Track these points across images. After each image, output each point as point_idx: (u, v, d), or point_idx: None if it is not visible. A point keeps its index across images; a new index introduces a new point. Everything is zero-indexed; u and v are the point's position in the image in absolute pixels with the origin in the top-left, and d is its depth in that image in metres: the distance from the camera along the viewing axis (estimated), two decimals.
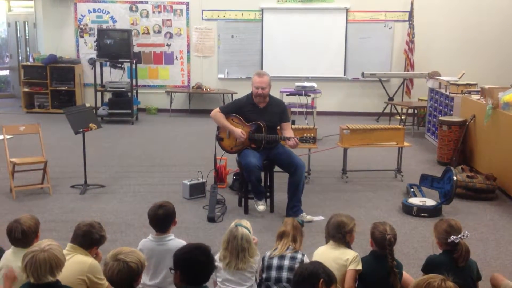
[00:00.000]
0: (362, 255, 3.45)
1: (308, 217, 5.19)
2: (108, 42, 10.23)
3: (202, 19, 11.26)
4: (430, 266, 3.34)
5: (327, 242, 3.51)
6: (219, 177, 6.20)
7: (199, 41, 11.34)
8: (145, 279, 3.37)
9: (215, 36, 11.28)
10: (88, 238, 3.23)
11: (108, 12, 11.28)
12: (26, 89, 11.23)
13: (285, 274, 3.30)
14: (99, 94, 10.63)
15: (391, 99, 10.74)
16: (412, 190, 6.01)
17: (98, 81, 10.51)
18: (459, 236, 3.24)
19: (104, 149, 8.05)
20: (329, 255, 3.34)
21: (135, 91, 10.71)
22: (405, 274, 3.46)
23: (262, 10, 11.06)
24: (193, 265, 2.67)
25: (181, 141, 8.75)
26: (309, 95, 8.61)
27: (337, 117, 10.61)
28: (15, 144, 7.14)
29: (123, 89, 10.43)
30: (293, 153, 5.40)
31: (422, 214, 5.36)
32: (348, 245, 3.45)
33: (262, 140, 5.30)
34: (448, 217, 5.20)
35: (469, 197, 5.89)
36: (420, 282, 2.54)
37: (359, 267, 3.30)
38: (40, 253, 2.68)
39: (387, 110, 10.68)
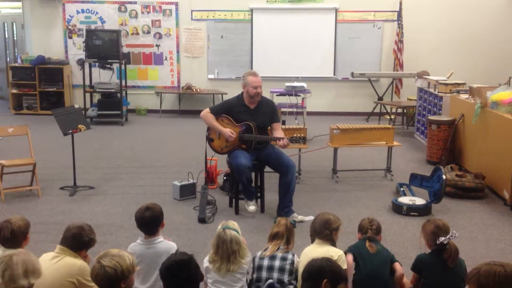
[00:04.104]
0: None
1: (300, 217, 5.19)
2: (97, 43, 10.18)
3: (192, 19, 11.23)
4: (420, 265, 3.36)
5: (312, 241, 3.52)
6: (210, 177, 6.19)
7: (188, 42, 11.32)
8: (136, 282, 3.33)
9: (205, 36, 11.26)
10: (78, 241, 3.20)
11: (97, 13, 11.22)
12: (14, 91, 11.14)
13: (275, 274, 3.29)
14: (88, 95, 10.57)
15: (380, 98, 10.78)
16: (401, 189, 6.04)
17: (87, 82, 10.45)
18: (448, 237, 3.24)
19: (94, 151, 8.01)
20: (314, 253, 3.34)
21: (124, 92, 10.66)
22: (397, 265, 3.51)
23: (251, 10, 11.06)
24: (174, 279, 2.66)
25: (171, 142, 8.72)
26: (299, 95, 8.62)
27: (327, 117, 10.62)
28: (3, 146, 7.10)
29: (112, 90, 10.38)
30: (284, 154, 5.40)
31: (412, 213, 5.38)
32: (333, 243, 3.47)
33: (252, 140, 5.30)
34: (437, 215, 5.27)
35: (458, 196, 5.93)
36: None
37: (344, 266, 3.31)
38: (18, 255, 2.61)
39: (377, 110, 10.72)
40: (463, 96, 7.37)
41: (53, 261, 3.10)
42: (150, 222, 3.46)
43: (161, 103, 11.16)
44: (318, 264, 2.71)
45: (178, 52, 11.37)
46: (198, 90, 11.04)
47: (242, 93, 5.44)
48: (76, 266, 3.09)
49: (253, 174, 5.42)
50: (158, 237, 3.48)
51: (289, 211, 5.26)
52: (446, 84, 8.12)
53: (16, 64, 11.43)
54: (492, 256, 4.49)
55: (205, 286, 3.35)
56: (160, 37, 11.31)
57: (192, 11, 11.17)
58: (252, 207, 5.28)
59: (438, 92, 8.19)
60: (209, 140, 5.54)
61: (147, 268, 3.38)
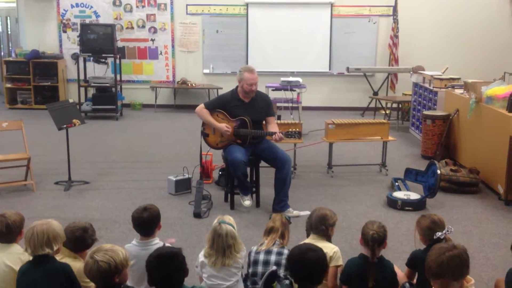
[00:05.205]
0: (346, 249, 3.47)
1: (295, 212, 5.20)
2: (92, 37, 10.14)
3: (187, 13, 11.20)
4: (414, 261, 3.35)
5: (308, 235, 3.52)
6: (205, 172, 6.19)
7: (183, 36, 11.28)
8: (130, 284, 3.29)
9: (200, 31, 11.23)
10: (80, 244, 3.18)
11: (91, 7, 11.16)
12: (8, 85, 11.08)
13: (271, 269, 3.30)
14: (82, 89, 10.52)
15: (375, 93, 10.79)
16: (396, 184, 6.05)
17: (82, 77, 10.41)
18: (444, 232, 3.24)
19: (88, 145, 7.98)
20: None
21: (119, 87, 10.63)
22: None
23: (247, 4, 11.02)
24: (161, 270, 2.65)
25: (166, 137, 8.71)
26: (295, 90, 8.61)
27: (323, 112, 10.63)
28: None
29: (107, 85, 10.35)
30: (279, 148, 5.40)
31: (407, 208, 5.40)
32: (329, 238, 3.47)
33: (247, 135, 5.30)
34: (432, 210, 5.29)
35: (453, 190, 5.95)
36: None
37: (340, 262, 3.32)
38: (39, 225, 2.92)
39: (372, 105, 10.73)
40: (458, 91, 7.39)
41: None
42: (147, 223, 3.39)
43: (156, 98, 11.14)
44: (294, 258, 2.79)
45: (173, 46, 11.33)
46: (193, 85, 11.02)
47: (237, 87, 5.43)
48: (75, 269, 3.05)
49: (248, 169, 5.42)
50: (155, 239, 3.42)
51: (285, 205, 5.26)
52: (441, 79, 8.13)
53: (10, 58, 11.37)
54: (486, 250, 4.51)
55: (200, 281, 3.35)
56: (155, 31, 11.26)
57: (187, 5, 11.13)
58: (247, 202, 5.28)
59: (433, 87, 8.20)
60: (204, 135, 5.53)
61: (142, 269, 3.32)
